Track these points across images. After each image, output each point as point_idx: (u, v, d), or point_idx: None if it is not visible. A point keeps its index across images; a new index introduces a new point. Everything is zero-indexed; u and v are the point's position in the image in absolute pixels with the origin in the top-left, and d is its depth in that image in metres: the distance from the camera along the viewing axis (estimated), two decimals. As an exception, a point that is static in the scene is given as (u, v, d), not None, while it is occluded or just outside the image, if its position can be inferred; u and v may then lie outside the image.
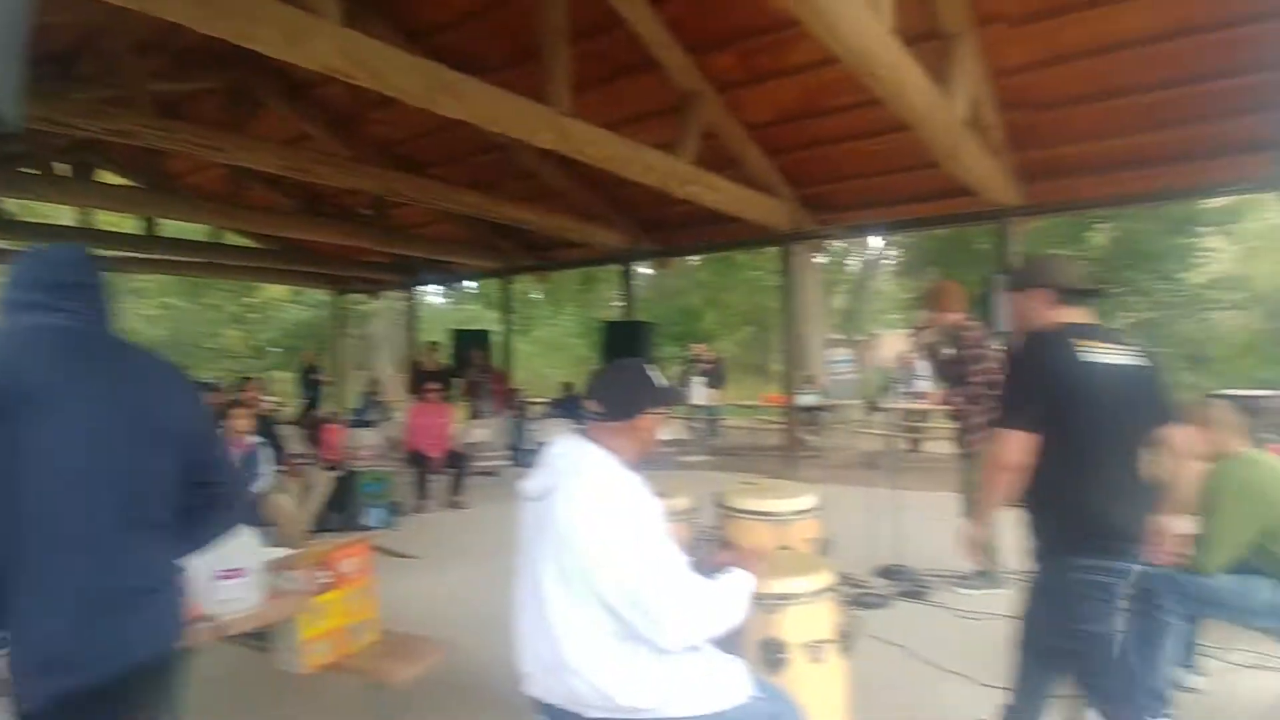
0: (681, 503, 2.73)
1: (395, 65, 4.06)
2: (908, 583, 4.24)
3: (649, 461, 1.83)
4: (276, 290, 24.54)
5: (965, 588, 4.13)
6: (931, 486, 7.24)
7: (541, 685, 1.70)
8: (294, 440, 6.79)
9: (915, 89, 4.32)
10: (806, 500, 2.61)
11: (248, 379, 6.09)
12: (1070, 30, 5.40)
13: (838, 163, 7.54)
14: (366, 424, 9.13)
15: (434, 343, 9.18)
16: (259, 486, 4.58)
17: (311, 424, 8.51)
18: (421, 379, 7.61)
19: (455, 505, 6.60)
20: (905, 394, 9.87)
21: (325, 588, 2.17)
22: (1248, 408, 3.53)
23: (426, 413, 6.78)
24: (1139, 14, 5.11)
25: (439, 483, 6.85)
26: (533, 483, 1.79)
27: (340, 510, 5.78)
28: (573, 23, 5.28)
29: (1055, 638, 2.13)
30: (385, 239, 9.49)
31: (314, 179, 6.69)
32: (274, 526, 4.32)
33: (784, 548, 2.42)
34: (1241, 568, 2.55)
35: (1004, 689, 2.91)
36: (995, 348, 4.27)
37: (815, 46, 5.89)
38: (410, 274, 12.16)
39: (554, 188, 8.72)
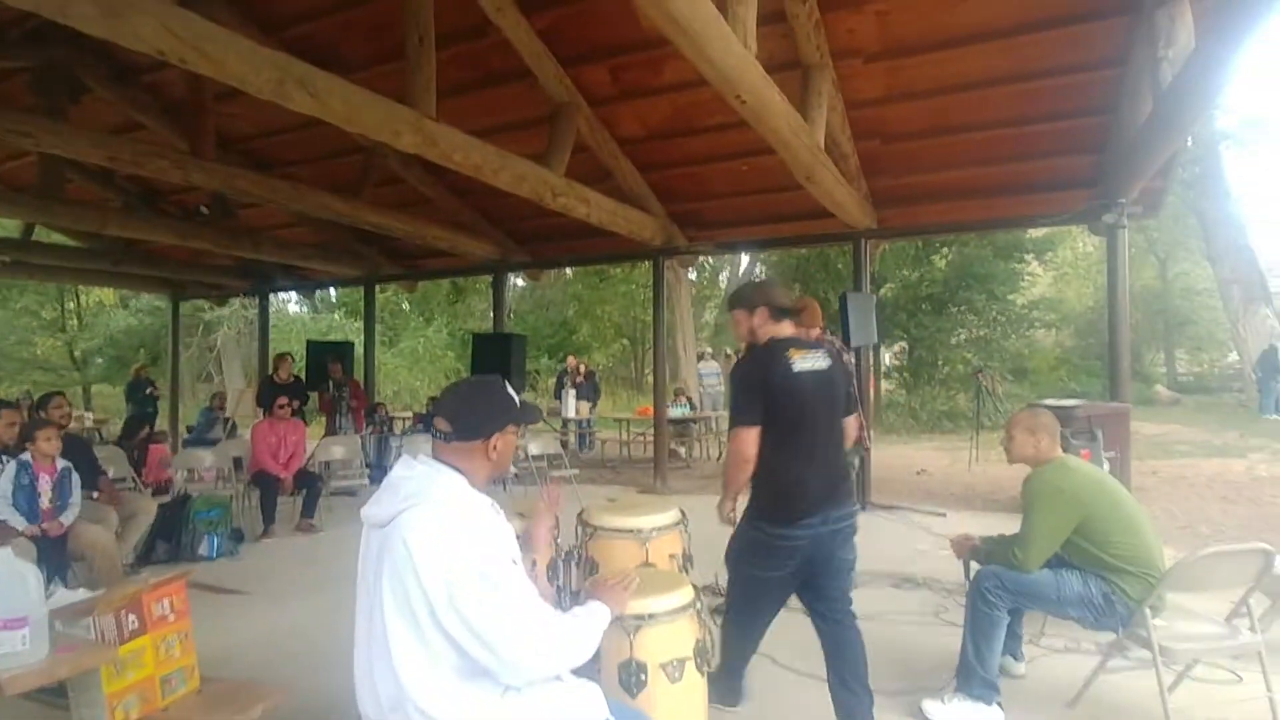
0: (543, 522, 2.64)
1: (238, 52, 3.73)
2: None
3: (520, 478, 1.75)
4: (103, 294, 22.12)
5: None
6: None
7: (383, 728, 1.57)
8: (116, 462, 6.06)
9: (777, 114, 4.50)
10: (669, 516, 2.61)
11: (55, 393, 5.37)
12: (916, 70, 5.84)
13: (707, 181, 7.74)
14: (208, 443, 8.36)
15: (284, 354, 8.50)
16: (68, 516, 4.03)
17: (139, 444, 7.67)
18: (272, 393, 7.05)
19: (307, 530, 6.13)
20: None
21: (132, 634, 1.91)
22: (1061, 416, 3.92)
23: (274, 430, 6.28)
24: (977, 59, 5.60)
25: (289, 506, 6.36)
26: (375, 508, 1.66)
27: (169, 540, 5.21)
28: (441, 25, 5.09)
29: (732, 575, 2.71)
30: (231, 241, 8.73)
31: (147, 173, 6.04)
32: (85, 561, 3.81)
33: (647, 564, 2.40)
34: (1054, 563, 2.81)
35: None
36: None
37: (686, 66, 5.98)
38: (262, 279, 11.28)
39: (421, 195, 8.40)
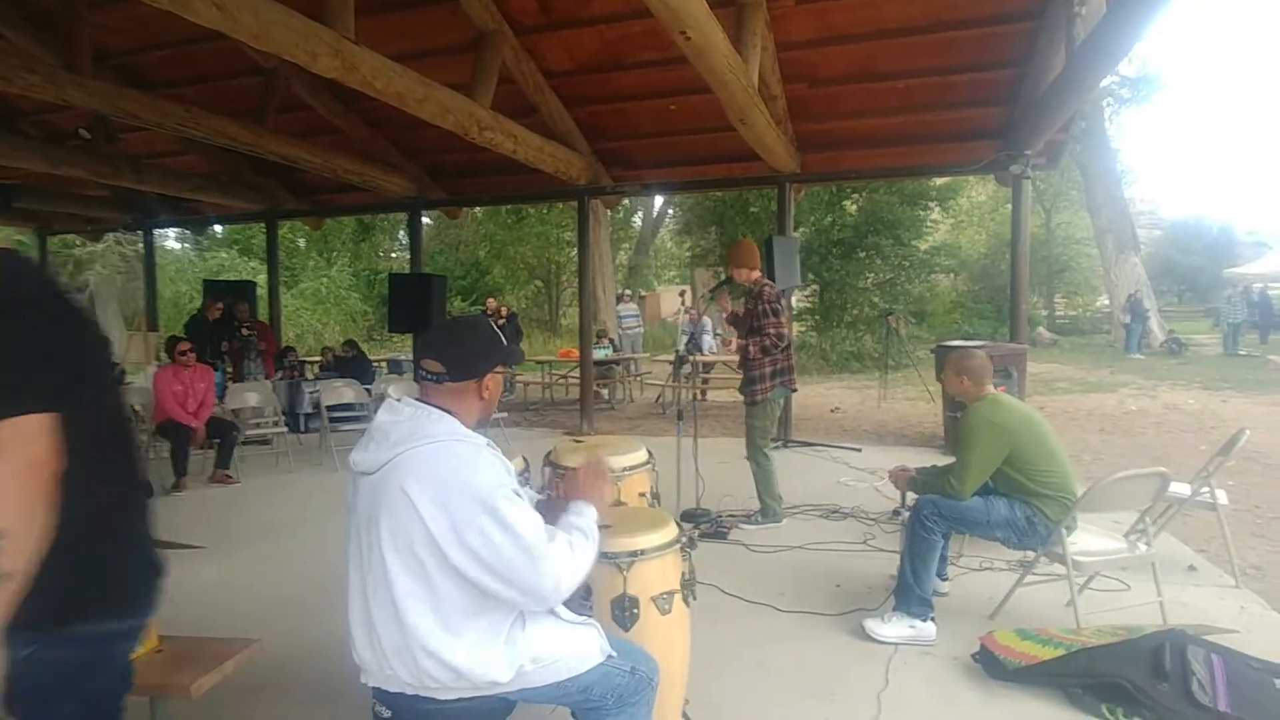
0: (516, 464, 2.62)
1: (132, -46, 3.32)
2: (709, 524, 4.53)
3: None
4: (-52, 227, 19.77)
5: (749, 524, 4.52)
6: (717, 433, 7.82)
7: (382, 674, 1.56)
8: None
9: (719, 52, 4.43)
10: (639, 455, 2.64)
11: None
12: (845, 14, 5.88)
13: (634, 119, 7.60)
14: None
15: (217, 297, 8.28)
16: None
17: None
18: (213, 330, 6.73)
19: (224, 481, 5.83)
20: (695, 347, 10.49)
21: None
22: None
23: (179, 377, 5.85)
24: (903, 6, 5.69)
25: (200, 458, 6.02)
26: (363, 454, 1.61)
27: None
28: (355, -65, 4.68)
29: None
30: (110, 169, 7.89)
31: (14, 89, 5.33)
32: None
33: (620, 503, 2.44)
34: (983, 490, 3.04)
35: (802, 612, 3.24)
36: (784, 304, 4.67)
37: (618, -2, 5.90)
38: (146, 213, 10.30)
39: (329, 124, 7.85)
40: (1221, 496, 3.63)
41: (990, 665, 2.66)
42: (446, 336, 1.70)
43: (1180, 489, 3.46)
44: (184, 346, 6.00)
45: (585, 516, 1.71)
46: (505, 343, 1.72)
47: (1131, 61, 17.30)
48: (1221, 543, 3.66)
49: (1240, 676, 2.35)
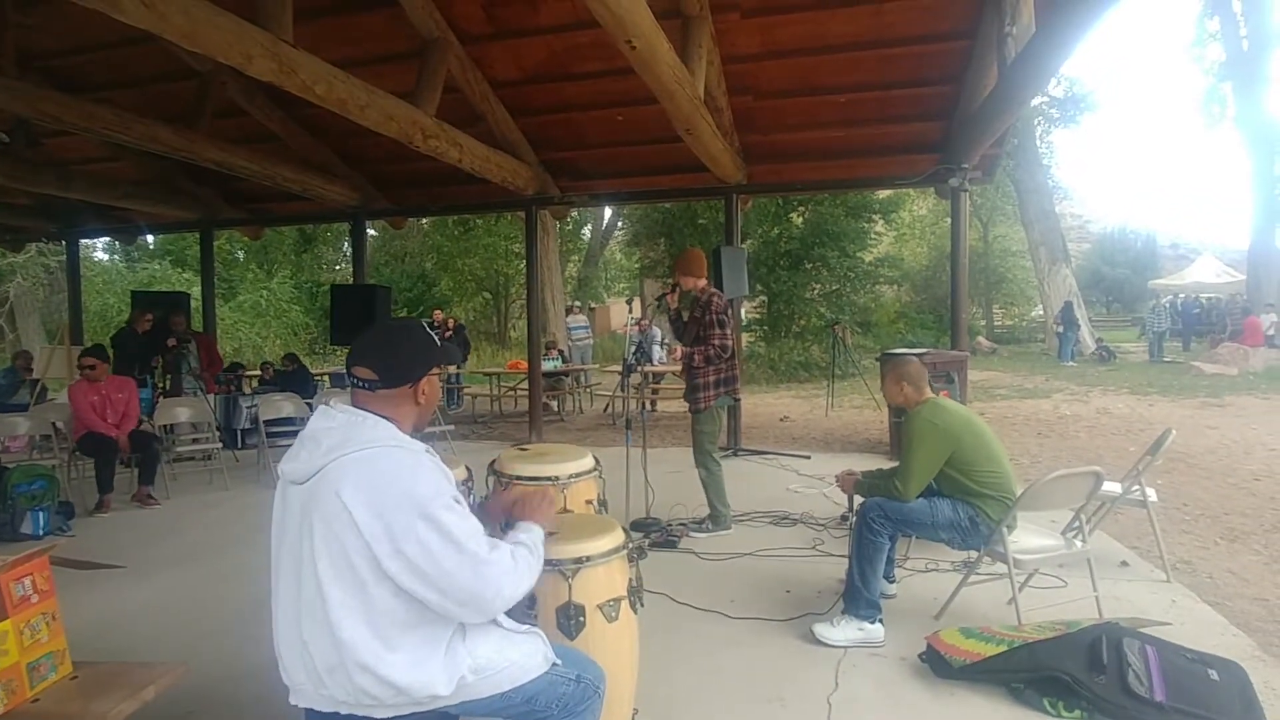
0: (459, 473, 2.55)
1: (52, -52, 3.17)
2: (658, 533, 4.50)
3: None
4: None
5: (698, 531, 4.52)
6: (666, 442, 7.82)
7: (316, 694, 1.48)
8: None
9: (664, 62, 4.46)
10: (585, 462, 2.61)
11: None
12: (789, 28, 6.00)
13: (582, 130, 7.59)
14: (13, 408, 7.30)
15: (146, 309, 7.84)
16: None
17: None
18: (143, 344, 6.71)
19: (145, 501, 5.53)
20: (643, 357, 10.48)
21: (-10, 619, 1.66)
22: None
23: (95, 388, 5.50)
24: (845, 22, 5.83)
25: (127, 476, 5.72)
26: (294, 464, 1.53)
27: (-18, 518, 4.54)
28: (293, -64, 4.56)
29: None
30: (31, 175, 7.49)
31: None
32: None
33: (565, 511, 2.39)
34: (927, 492, 3.09)
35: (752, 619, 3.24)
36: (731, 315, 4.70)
37: (563, 9, 5.91)
38: (70, 222, 9.82)
39: (267, 130, 7.62)
40: (1151, 494, 3.77)
41: (937, 664, 2.69)
42: (378, 342, 1.63)
43: (1112, 488, 3.59)
44: (88, 361, 5.57)
45: (531, 534, 1.68)
46: (440, 344, 1.67)
47: (1059, 83, 18.14)
48: (1152, 539, 3.80)
49: (1174, 667, 2.42)
